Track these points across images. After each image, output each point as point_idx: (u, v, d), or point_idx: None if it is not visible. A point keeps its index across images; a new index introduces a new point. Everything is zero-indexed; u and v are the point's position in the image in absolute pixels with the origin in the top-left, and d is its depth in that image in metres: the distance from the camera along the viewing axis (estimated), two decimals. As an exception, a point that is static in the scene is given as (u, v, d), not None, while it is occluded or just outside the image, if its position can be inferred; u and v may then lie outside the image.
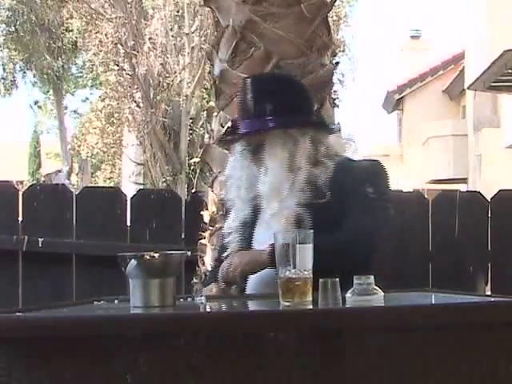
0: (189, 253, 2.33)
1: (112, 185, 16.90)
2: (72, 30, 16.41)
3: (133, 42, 12.77)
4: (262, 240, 2.36)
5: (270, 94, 2.49)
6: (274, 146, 2.44)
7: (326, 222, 2.31)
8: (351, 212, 2.33)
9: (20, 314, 1.85)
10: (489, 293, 3.72)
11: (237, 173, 2.55)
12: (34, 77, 20.41)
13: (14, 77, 20.11)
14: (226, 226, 2.60)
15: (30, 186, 4.06)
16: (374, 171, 2.49)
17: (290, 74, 2.97)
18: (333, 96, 3.78)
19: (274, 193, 2.42)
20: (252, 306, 2.24)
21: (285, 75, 2.83)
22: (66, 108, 21.93)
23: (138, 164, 14.27)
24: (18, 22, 18.04)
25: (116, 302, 2.18)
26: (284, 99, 2.49)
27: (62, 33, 17.65)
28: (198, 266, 3.63)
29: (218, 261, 2.58)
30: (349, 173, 2.45)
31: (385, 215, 2.41)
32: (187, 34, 13.15)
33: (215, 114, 3.76)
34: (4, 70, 19.76)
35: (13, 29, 18.37)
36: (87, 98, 22.26)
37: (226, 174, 2.65)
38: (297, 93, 2.55)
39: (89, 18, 14.05)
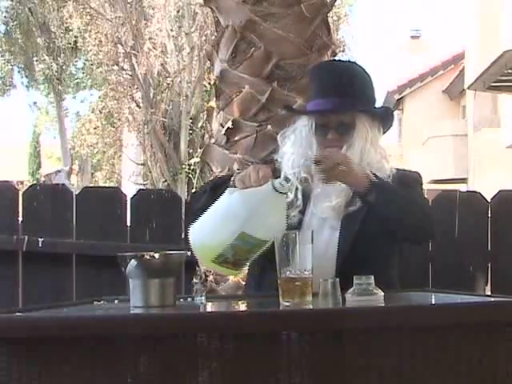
0: (189, 253, 2.33)
1: (112, 185, 16.90)
2: (72, 30, 16.40)
3: (133, 42, 12.77)
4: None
5: (360, 80, 2.50)
6: (362, 128, 2.44)
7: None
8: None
9: (20, 313, 1.85)
10: (489, 293, 3.72)
11: (293, 149, 2.49)
12: (34, 77, 20.39)
13: (12, 77, 20.11)
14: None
15: (30, 186, 4.04)
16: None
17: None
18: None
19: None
20: (252, 306, 2.24)
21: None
22: (66, 109, 21.93)
23: (138, 164, 14.28)
24: (18, 22, 18.04)
25: (116, 302, 2.18)
26: (369, 89, 2.52)
27: (62, 33, 17.65)
28: (198, 266, 3.63)
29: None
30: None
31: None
32: (187, 34, 13.15)
33: (215, 114, 3.76)
34: (1, 70, 19.75)
35: (12, 29, 18.37)
36: (86, 99, 22.27)
37: (284, 150, 2.53)
38: (373, 86, 2.57)
39: (89, 18, 14.05)
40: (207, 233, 2.26)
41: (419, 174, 2.65)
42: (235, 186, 2.28)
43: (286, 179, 2.20)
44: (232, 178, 2.29)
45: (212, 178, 3.58)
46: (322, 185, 2.42)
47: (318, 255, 2.26)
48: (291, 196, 2.41)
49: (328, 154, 2.31)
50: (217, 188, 2.32)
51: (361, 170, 2.33)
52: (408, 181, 2.54)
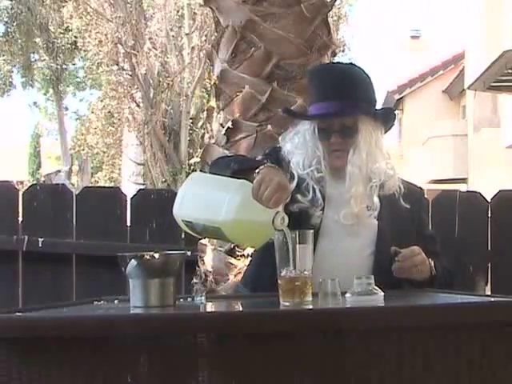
0: (189, 253, 2.33)
1: (112, 185, 16.90)
2: (72, 30, 16.41)
3: (133, 42, 12.77)
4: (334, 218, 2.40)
5: (360, 81, 2.48)
6: (365, 130, 2.43)
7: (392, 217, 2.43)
8: (432, 254, 2.41)
9: (20, 313, 1.85)
10: (489, 293, 3.72)
11: (300, 150, 2.47)
12: (33, 77, 20.40)
13: (12, 77, 20.12)
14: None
15: (30, 186, 4.05)
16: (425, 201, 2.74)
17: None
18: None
19: (362, 175, 2.41)
20: (252, 306, 2.24)
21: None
22: (66, 109, 21.94)
23: (138, 164, 14.28)
24: (17, 22, 18.05)
25: (116, 302, 2.18)
26: (370, 90, 2.50)
27: (62, 33, 17.66)
28: (198, 266, 3.63)
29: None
30: (416, 199, 2.57)
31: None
32: (187, 34, 13.16)
33: (215, 114, 3.77)
34: (1, 70, 19.76)
35: (12, 29, 18.38)
36: (86, 99, 22.28)
37: (287, 149, 2.51)
38: (373, 86, 2.55)
39: (89, 18, 14.05)
40: (197, 200, 2.23)
41: (421, 188, 2.68)
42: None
43: (289, 218, 2.16)
44: (255, 173, 2.16)
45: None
46: (336, 186, 2.44)
47: (338, 260, 2.34)
48: (310, 195, 2.41)
49: (409, 254, 2.32)
50: (239, 173, 2.25)
51: (427, 265, 2.37)
52: (419, 198, 2.61)
